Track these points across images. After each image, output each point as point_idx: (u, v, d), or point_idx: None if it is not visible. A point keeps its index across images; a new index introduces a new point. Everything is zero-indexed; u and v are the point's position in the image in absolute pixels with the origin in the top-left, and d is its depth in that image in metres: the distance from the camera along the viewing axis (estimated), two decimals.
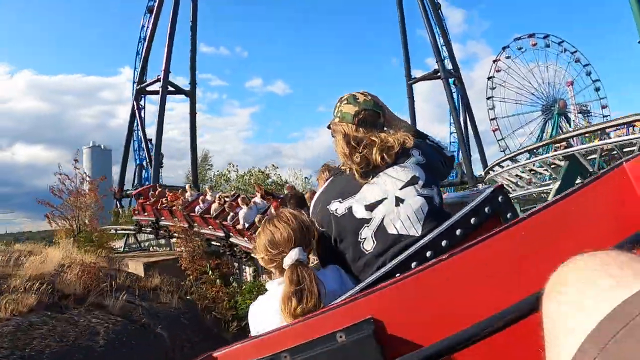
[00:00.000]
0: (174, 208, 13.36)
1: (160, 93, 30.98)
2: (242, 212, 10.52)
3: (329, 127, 1.55)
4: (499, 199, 1.10)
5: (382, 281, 0.96)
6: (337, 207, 1.34)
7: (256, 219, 9.42)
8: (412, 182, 1.33)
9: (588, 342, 0.32)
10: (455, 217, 1.11)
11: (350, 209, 1.33)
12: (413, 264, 1.06)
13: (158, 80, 31.12)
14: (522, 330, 0.62)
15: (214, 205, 12.05)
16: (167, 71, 30.66)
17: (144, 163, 33.93)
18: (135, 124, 33.44)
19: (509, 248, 0.82)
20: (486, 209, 1.09)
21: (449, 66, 34.15)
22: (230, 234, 11.61)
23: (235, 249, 12.06)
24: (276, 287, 1.29)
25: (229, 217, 11.37)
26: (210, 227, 12.30)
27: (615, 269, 0.37)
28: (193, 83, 32.51)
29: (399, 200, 1.30)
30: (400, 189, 1.32)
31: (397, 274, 0.99)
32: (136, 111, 32.64)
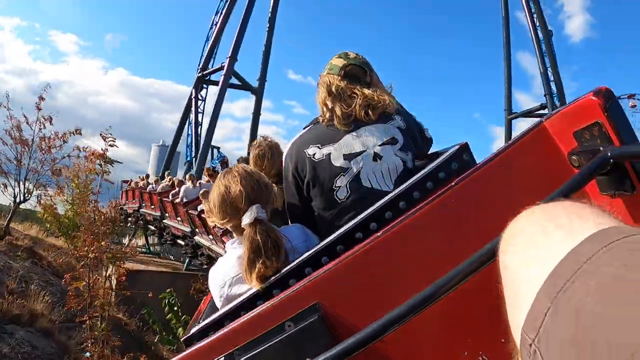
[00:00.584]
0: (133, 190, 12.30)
1: (221, 82, 23.86)
2: (184, 186, 9.75)
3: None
4: (464, 156, 1.13)
5: (357, 231, 1.01)
6: (315, 151, 1.35)
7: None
8: (392, 142, 1.36)
9: (541, 293, 0.33)
10: (424, 170, 1.13)
11: (329, 155, 1.34)
12: (387, 214, 1.07)
13: (222, 68, 24.15)
14: (478, 285, 0.64)
15: (163, 183, 11.32)
16: (233, 58, 23.50)
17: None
18: (189, 118, 28.51)
19: (442, 217, 0.86)
20: (452, 165, 1.12)
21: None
22: (197, 229, 9.79)
23: (199, 253, 9.84)
24: (236, 247, 1.28)
25: (171, 194, 10.65)
26: (179, 218, 10.64)
27: (564, 219, 0.38)
28: (262, 80, 25.63)
29: (377, 156, 1.33)
30: (380, 145, 1.34)
31: (372, 224, 1.03)
32: (192, 100, 27.29)
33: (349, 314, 0.84)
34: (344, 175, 1.32)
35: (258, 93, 25.88)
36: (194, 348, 0.91)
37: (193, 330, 1.05)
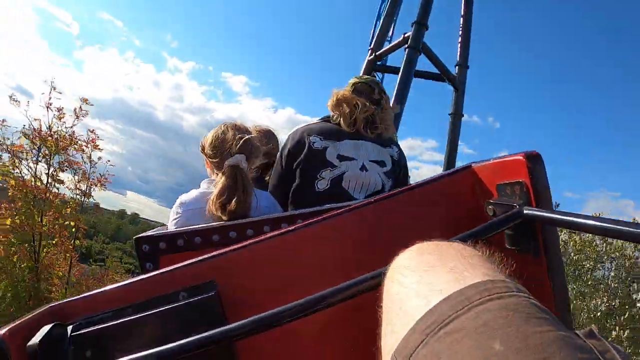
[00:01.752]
0: None
1: (403, 63, 8.92)
2: None
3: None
4: (408, 187, 1.13)
5: (315, 215, 0.97)
6: (316, 141, 1.50)
7: None
8: (381, 164, 1.52)
9: (417, 326, 0.35)
10: (397, 191, 1.18)
11: (325, 148, 1.48)
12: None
13: (404, 41, 9.56)
14: (361, 304, 0.66)
15: None
16: (422, 25, 8.25)
17: None
18: None
19: (357, 227, 0.89)
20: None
21: None
22: None
23: None
24: (208, 184, 1.43)
25: None
26: None
27: (456, 262, 0.40)
28: (463, 65, 11.01)
29: (364, 168, 1.49)
30: (370, 161, 1.50)
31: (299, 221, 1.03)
32: None
33: (244, 299, 0.86)
34: (330, 170, 1.46)
35: (459, 84, 12.07)
36: (91, 295, 0.91)
37: (151, 232, 1.12)
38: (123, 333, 0.81)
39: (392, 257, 0.48)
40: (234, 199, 1.29)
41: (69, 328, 0.81)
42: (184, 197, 1.41)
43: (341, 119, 1.53)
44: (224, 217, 1.27)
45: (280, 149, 1.62)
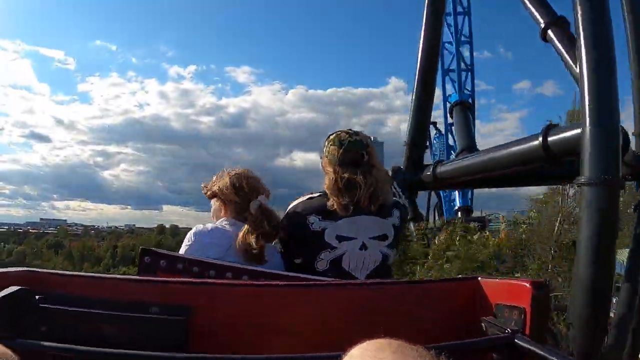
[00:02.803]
0: None
1: None
2: None
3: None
4: (410, 281, 1.28)
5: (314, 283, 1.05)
6: (314, 221, 1.47)
7: None
8: (382, 238, 1.50)
9: None
10: (401, 280, 1.31)
11: (324, 230, 1.46)
12: None
13: None
14: None
15: None
16: None
17: None
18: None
19: (347, 303, 0.90)
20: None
21: None
22: None
23: None
24: (227, 225, 1.52)
25: None
26: None
27: None
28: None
29: (363, 247, 1.47)
30: (370, 238, 1.48)
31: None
32: None
33: (210, 335, 0.84)
34: (329, 251, 1.45)
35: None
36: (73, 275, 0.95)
37: (155, 249, 1.16)
38: (84, 323, 0.81)
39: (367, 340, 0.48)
40: (264, 235, 1.43)
41: (38, 297, 0.81)
42: (200, 227, 1.50)
43: (337, 206, 1.47)
44: (256, 246, 1.40)
45: (281, 223, 1.59)
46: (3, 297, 0.75)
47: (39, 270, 0.91)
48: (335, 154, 1.55)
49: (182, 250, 1.43)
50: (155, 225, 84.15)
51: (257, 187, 1.57)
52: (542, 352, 0.67)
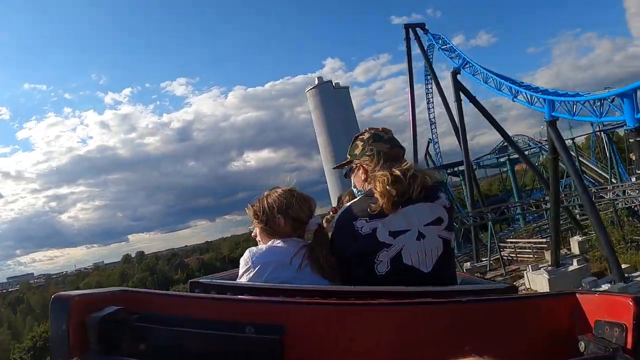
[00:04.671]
0: None
1: None
2: None
3: (347, 163, 1.70)
4: (504, 297, 1.13)
5: (375, 294, 1.04)
6: (363, 225, 1.41)
7: None
8: (437, 222, 1.43)
9: None
10: (466, 287, 1.29)
11: (375, 229, 1.40)
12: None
13: None
14: None
15: None
16: None
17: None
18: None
19: (440, 319, 0.89)
20: (489, 296, 1.14)
21: None
22: None
23: None
24: (281, 245, 1.48)
25: None
26: None
27: None
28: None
29: (420, 236, 1.40)
30: (425, 225, 1.41)
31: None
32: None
33: (304, 354, 0.84)
34: (386, 250, 1.37)
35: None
36: (166, 296, 0.94)
37: (204, 280, 1.13)
38: (182, 341, 0.82)
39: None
40: (326, 255, 1.42)
41: (134, 316, 0.83)
42: (254, 250, 1.46)
43: (384, 204, 1.41)
44: (320, 270, 1.39)
45: (331, 235, 1.56)
46: (103, 316, 0.77)
47: (135, 289, 0.93)
48: (383, 150, 1.57)
49: (240, 276, 1.39)
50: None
51: (307, 206, 1.58)
52: None
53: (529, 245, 24.91)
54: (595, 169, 31.72)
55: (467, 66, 24.26)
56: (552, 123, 17.44)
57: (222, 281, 1.23)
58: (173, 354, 0.81)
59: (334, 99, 53.86)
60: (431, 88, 34.87)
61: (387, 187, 1.42)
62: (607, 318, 0.79)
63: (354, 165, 1.66)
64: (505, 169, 38.90)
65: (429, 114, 36.21)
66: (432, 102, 35.53)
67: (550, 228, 18.84)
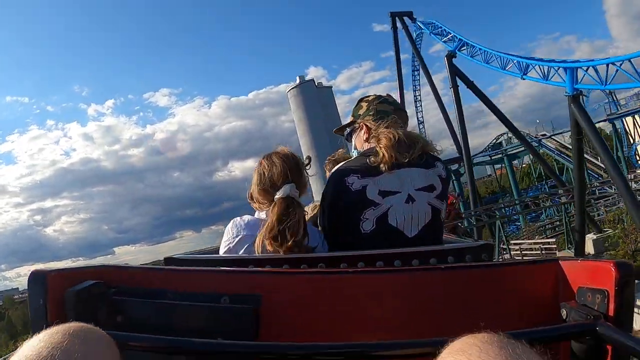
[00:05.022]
0: None
1: None
2: None
3: (350, 124, 1.69)
4: (483, 255, 1.16)
5: (360, 258, 1.05)
6: (354, 181, 1.40)
7: None
8: (429, 189, 1.41)
9: None
10: (450, 245, 1.24)
11: (365, 187, 1.39)
12: (414, 262, 1.10)
13: None
14: None
15: None
16: None
17: None
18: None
19: (419, 287, 0.88)
20: (468, 256, 1.15)
21: None
22: None
23: None
24: (261, 216, 1.42)
25: None
26: None
27: None
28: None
29: (410, 199, 1.38)
30: (416, 189, 1.40)
31: (396, 261, 1.05)
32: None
33: (279, 323, 0.84)
34: (373, 209, 1.37)
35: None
36: (141, 270, 0.94)
37: (178, 255, 1.14)
38: (158, 313, 0.83)
39: (447, 327, 0.50)
40: (285, 236, 1.27)
41: (111, 290, 0.84)
42: (238, 221, 1.42)
43: (382, 161, 1.40)
44: (273, 248, 1.27)
45: (323, 192, 1.53)
46: (80, 290, 0.78)
47: (114, 264, 0.93)
48: (389, 111, 1.56)
49: (222, 249, 1.38)
50: None
51: (290, 169, 1.44)
52: (629, 343, 0.64)
53: (537, 246, 22.75)
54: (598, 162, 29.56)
55: (463, 48, 20.98)
56: (575, 98, 13.89)
57: (194, 255, 1.24)
58: (149, 324, 0.82)
59: (316, 99, 49.71)
60: (419, 85, 32.79)
61: (393, 144, 1.41)
62: (590, 285, 0.79)
63: (357, 125, 1.65)
64: (500, 166, 36.77)
65: (417, 113, 33.43)
66: (420, 102, 33.72)
67: (575, 224, 16.45)
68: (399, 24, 26.02)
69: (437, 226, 1.42)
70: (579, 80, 14.34)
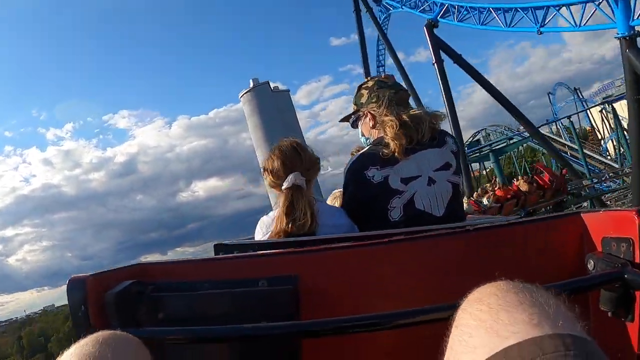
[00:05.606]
0: None
1: None
2: None
3: (354, 113, 1.70)
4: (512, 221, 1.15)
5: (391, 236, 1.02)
6: (375, 173, 1.43)
7: None
8: (446, 167, 1.46)
9: None
10: (476, 220, 1.33)
11: (387, 177, 1.42)
12: None
13: None
14: (432, 329, 0.64)
15: None
16: None
17: None
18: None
19: (447, 252, 0.89)
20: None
21: None
22: None
23: None
24: (275, 210, 1.48)
25: None
26: None
27: (533, 307, 0.41)
28: None
29: (431, 181, 1.43)
30: (434, 170, 1.44)
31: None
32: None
33: (319, 300, 0.85)
34: (399, 197, 1.41)
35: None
36: (177, 262, 0.94)
37: (227, 242, 1.16)
38: (197, 304, 0.83)
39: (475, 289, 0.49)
40: (292, 223, 1.33)
41: (149, 287, 0.84)
42: (265, 219, 1.49)
43: (395, 149, 1.43)
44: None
45: (343, 186, 1.58)
46: (119, 291, 0.78)
47: (149, 261, 0.95)
48: (390, 95, 1.56)
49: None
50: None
51: (289, 160, 1.51)
52: None
53: None
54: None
55: (447, 15, 16.65)
56: (631, 40, 9.87)
57: (243, 241, 1.28)
58: (190, 318, 0.83)
59: (273, 103, 45.67)
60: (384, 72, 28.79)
61: (397, 132, 1.42)
62: (614, 234, 0.80)
63: (361, 113, 1.67)
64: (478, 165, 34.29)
65: None
66: None
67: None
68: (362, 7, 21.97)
69: (458, 199, 1.50)
70: (636, 16, 9.96)
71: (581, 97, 29.31)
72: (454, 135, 1.62)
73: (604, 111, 27.19)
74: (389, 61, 22.77)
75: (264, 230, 1.45)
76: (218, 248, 1.13)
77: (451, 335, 0.44)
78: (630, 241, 0.74)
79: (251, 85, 48.57)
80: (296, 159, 1.49)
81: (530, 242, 0.90)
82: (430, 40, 16.82)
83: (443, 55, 16.63)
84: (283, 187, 1.40)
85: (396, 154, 1.40)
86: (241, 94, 49.65)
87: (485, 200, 11.61)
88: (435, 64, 16.67)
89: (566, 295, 0.49)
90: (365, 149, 1.55)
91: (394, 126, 1.43)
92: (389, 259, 0.88)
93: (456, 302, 0.49)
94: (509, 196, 11.92)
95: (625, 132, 20.94)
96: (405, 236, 0.91)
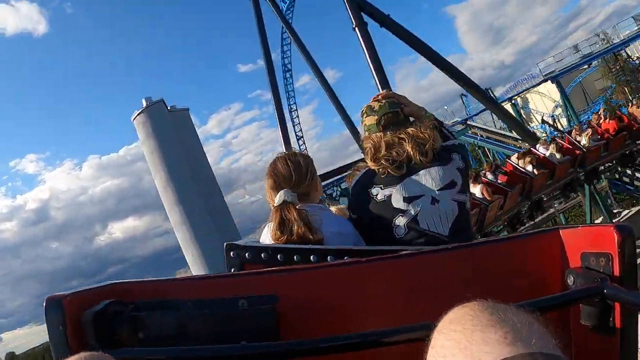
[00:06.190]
0: None
1: None
2: None
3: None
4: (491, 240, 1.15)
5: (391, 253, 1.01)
6: (378, 192, 1.44)
7: None
8: (450, 185, 1.44)
9: None
10: (481, 241, 1.23)
11: (389, 197, 1.43)
12: None
13: None
14: (408, 349, 0.65)
15: None
16: None
17: None
18: None
19: (427, 270, 0.90)
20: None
21: None
22: None
23: None
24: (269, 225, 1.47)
25: None
26: None
27: (507, 326, 0.41)
28: None
29: (434, 200, 1.42)
30: (438, 190, 1.43)
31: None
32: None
33: (299, 319, 0.86)
34: (402, 216, 1.40)
35: None
36: (151, 282, 0.92)
37: (240, 242, 1.14)
38: (178, 324, 0.82)
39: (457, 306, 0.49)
40: (289, 236, 1.33)
41: (129, 306, 0.82)
42: (266, 231, 1.48)
43: (388, 170, 1.45)
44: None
45: (348, 203, 1.63)
46: (97, 310, 0.77)
47: (126, 281, 0.92)
48: (373, 122, 1.56)
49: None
50: None
51: (277, 178, 1.50)
52: (632, 299, 0.67)
53: None
54: None
55: None
56: None
57: (252, 243, 1.27)
58: (171, 337, 0.82)
59: (170, 124, 38.88)
60: (291, 79, 29.00)
61: (371, 156, 1.47)
62: (592, 250, 0.81)
63: (361, 142, 1.68)
64: None
65: (294, 125, 29.00)
66: (296, 106, 29.58)
67: None
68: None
69: (465, 218, 1.47)
70: None
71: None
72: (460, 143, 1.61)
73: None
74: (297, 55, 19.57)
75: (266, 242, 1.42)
76: (229, 248, 1.11)
77: (427, 356, 0.45)
78: (609, 256, 0.75)
79: (144, 105, 40.75)
80: (285, 175, 1.48)
81: (511, 259, 0.90)
82: (348, 3, 13.21)
83: (366, 19, 13.36)
84: (274, 205, 1.40)
85: (389, 172, 1.42)
86: (134, 116, 41.54)
87: (584, 139, 9.54)
88: (356, 28, 13.13)
89: (547, 310, 0.50)
90: (369, 166, 1.54)
91: (369, 151, 1.47)
92: (368, 278, 0.88)
93: (430, 322, 0.50)
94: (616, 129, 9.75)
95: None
96: (385, 255, 0.91)
